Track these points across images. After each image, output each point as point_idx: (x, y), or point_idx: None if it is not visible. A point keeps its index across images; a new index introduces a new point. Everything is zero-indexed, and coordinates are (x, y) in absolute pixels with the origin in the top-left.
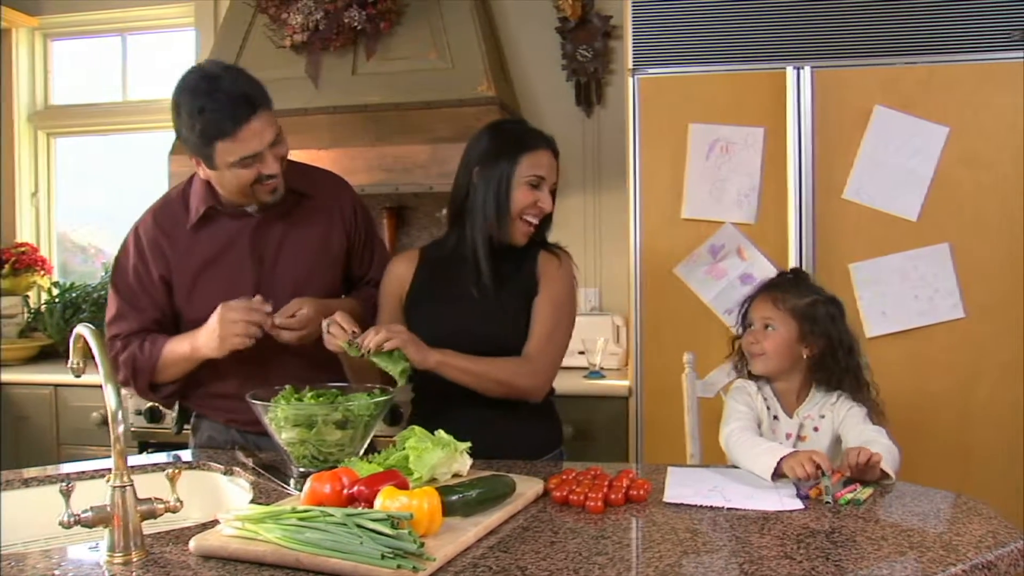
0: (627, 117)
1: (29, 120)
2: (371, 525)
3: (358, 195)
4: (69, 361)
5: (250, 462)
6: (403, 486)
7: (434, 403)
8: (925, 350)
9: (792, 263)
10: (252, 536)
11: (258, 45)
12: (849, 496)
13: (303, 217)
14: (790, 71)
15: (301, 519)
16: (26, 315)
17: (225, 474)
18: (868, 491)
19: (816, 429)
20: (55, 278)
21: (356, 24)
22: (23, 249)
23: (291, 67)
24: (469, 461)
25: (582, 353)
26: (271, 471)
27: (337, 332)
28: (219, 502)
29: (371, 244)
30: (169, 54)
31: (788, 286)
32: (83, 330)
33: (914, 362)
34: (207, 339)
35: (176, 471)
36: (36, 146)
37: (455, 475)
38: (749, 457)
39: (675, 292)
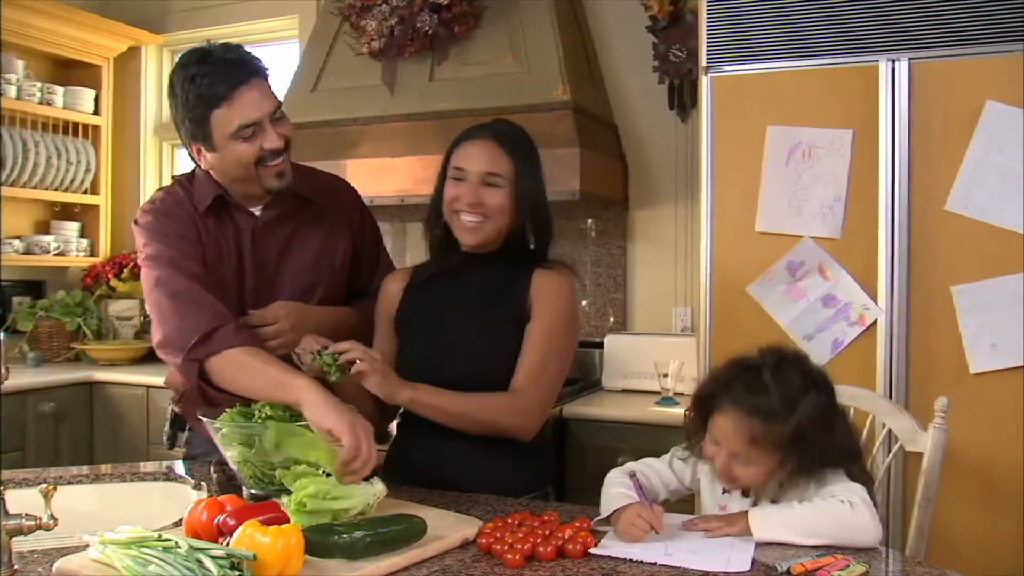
0: (701, 119)
1: (155, 132)
2: (208, 563)
3: (364, 202)
4: None
5: (214, 478)
6: (278, 520)
7: (406, 430)
8: None
9: (883, 283)
10: (107, 563)
11: (342, 54)
12: (836, 575)
13: (308, 223)
14: (883, 64)
15: (165, 548)
16: (141, 318)
17: (194, 488)
18: (861, 568)
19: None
20: None
21: (428, 28)
22: None
23: (372, 75)
24: (374, 493)
25: (666, 376)
26: (232, 490)
27: (307, 345)
28: None
29: (376, 253)
30: (276, 66)
31: (764, 400)
32: None
33: None
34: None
35: (51, 487)
36: (161, 156)
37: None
38: (605, 498)
39: (749, 313)
